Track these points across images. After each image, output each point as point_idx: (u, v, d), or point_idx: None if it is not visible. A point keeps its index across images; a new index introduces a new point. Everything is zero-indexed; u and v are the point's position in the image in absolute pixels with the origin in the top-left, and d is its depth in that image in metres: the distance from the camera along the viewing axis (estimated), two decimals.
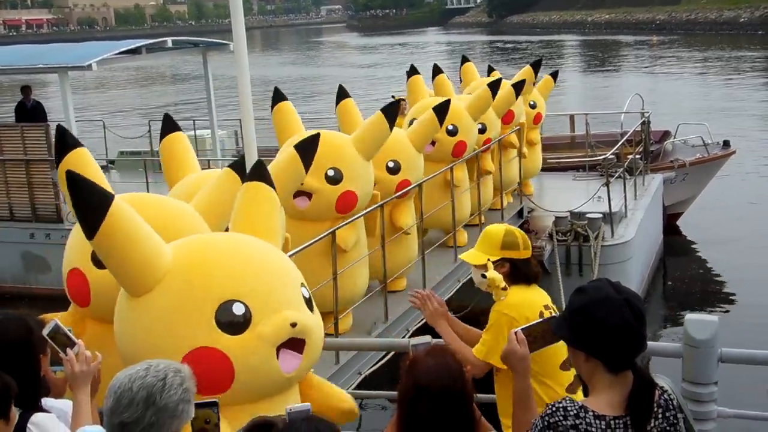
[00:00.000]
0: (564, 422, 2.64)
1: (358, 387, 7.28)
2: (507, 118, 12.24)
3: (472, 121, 10.66)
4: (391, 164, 8.96)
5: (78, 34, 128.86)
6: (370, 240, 8.32)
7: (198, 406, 2.78)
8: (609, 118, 20.47)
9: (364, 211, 8.18)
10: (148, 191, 10.62)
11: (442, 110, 9.14)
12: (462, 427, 2.83)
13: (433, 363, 2.84)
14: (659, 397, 2.75)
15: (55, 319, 3.32)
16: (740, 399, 5.70)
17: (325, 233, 7.35)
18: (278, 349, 3.67)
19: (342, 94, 9.26)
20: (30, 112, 15.39)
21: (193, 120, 18.68)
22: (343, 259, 7.64)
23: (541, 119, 13.68)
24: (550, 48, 71.11)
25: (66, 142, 4.73)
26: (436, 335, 3.83)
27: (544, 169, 14.47)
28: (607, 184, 11.95)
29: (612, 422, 2.66)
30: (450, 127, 10.30)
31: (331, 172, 7.80)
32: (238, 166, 5.10)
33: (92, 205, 3.56)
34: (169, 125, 5.92)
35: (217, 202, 4.98)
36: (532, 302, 4.05)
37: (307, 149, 5.58)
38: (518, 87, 11.50)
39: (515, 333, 3.04)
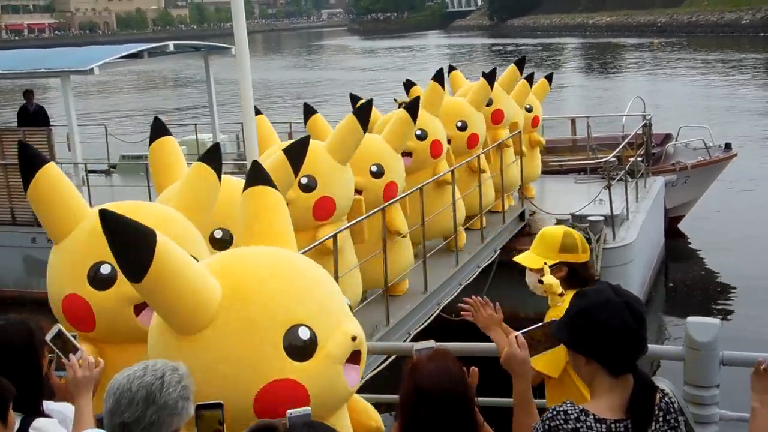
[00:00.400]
0: (565, 426, 2.64)
1: (359, 391, 7.27)
2: (496, 117, 12.20)
3: (435, 119, 10.44)
4: (374, 168, 8.85)
5: (80, 38, 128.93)
6: (357, 248, 8.20)
7: (204, 407, 2.80)
8: (610, 121, 20.48)
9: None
10: (149, 195, 10.63)
11: (413, 107, 9.06)
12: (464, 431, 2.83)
13: (434, 367, 2.83)
14: (660, 400, 2.75)
15: (58, 324, 3.33)
16: (742, 402, 5.68)
17: (334, 233, 7.32)
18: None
19: (309, 111, 9.29)
20: (32, 116, 15.41)
21: (195, 124, 18.70)
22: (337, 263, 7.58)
23: (538, 122, 13.68)
24: (552, 51, 71.13)
25: (33, 160, 4.74)
26: (439, 339, 3.79)
27: (545, 172, 14.47)
28: (608, 187, 11.95)
29: (613, 425, 2.66)
30: (418, 132, 10.08)
31: (304, 180, 7.66)
32: (208, 158, 5.04)
33: (137, 247, 3.24)
34: (159, 129, 5.84)
35: (196, 198, 4.97)
36: None
37: (296, 152, 5.46)
38: (489, 77, 11.38)
39: (516, 337, 3.04)
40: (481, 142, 11.41)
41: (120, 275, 4.32)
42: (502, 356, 3.05)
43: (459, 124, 11.18)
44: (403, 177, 9.28)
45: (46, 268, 4.74)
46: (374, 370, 7.67)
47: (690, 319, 4.46)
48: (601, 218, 11.70)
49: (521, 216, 12.43)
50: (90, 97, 48.65)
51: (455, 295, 9.83)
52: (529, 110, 13.29)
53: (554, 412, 2.68)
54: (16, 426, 3.01)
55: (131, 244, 3.25)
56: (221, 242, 5.63)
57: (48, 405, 3.29)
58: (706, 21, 79.03)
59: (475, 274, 10.50)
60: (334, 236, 7.34)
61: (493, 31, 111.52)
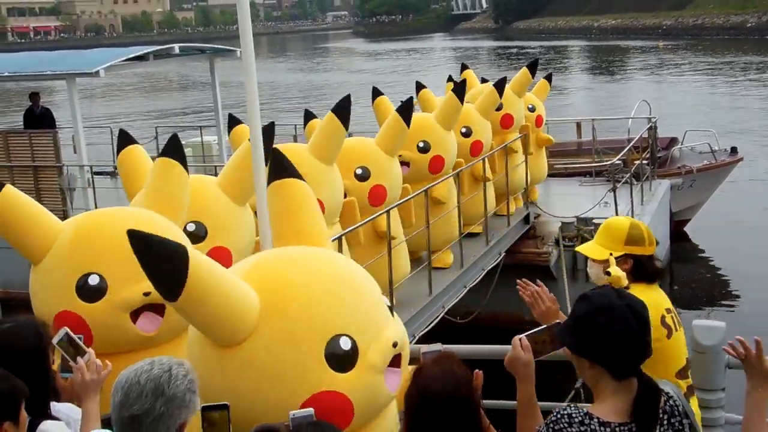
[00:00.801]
0: (569, 429, 2.64)
1: None
2: (506, 122, 12.17)
3: (445, 133, 10.08)
4: (359, 171, 8.58)
5: (85, 40, 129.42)
6: (352, 251, 7.98)
7: (210, 408, 2.83)
8: (616, 125, 20.45)
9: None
10: None
11: (406, 109, 8.72)
12: None
13: (439, 370, 2.83)
14: (665, 404, 2.75)
15: (65, 327, 3.33)
16: None
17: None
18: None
19: (308, 116, 9.31)
20: (38, 118, 15.44)
21: (200, 127, 18.72)
22: None
23: (542, 121, 13.65)
24: (557, 54, 71.10)
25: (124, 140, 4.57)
26: (444, 342, 3.77)
27: (550, 175, 14.46)
28: (613, 190, 11.94)
29: (617, 429, 2.66)
30: (421, 144, 9.81)
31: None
32: (170, 150, 4.99)
33: (170, 265, 3.17)
34: (125, 139, 5.97)
35: (168, 193, 4.92)
36: (657, 303, 3.77)
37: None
38: (499, 86, 11.24)
39: (519, 339, 3.04)
40: (485, 150, 11.21)
41: (110, 284, 4.36)
42: (506, 359, 3.05)
43: (463, 130, 11.06)
44: (397, 181, 8.93)
45: None
46: None
47: (696, 322, 4.45)
48: None
49: (526, 219, 12.42)
50: (95, 100, 48.77)
51: (459, 297, 9.83)
52: (532, 110, 13.28)
53: (558, 416, 2.68)
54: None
55: (164, 263, 3.18)
56: (194, 236, 5.48)
57: (54, 406, 3.30)
58: (712, 24, 78.91)
59: (480, 277, 10.49)
60: (339, 239, 7.30)
61: (498, 33, 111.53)
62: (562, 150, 16.73)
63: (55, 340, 3.27)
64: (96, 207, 5.11)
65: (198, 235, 6.01)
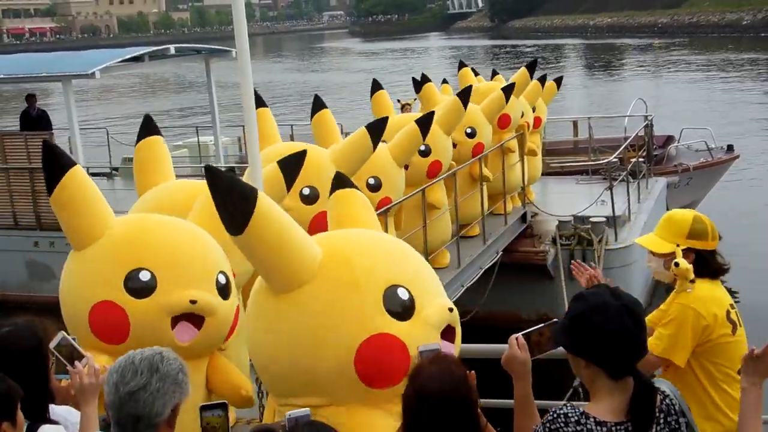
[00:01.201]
0: (565, 428, 2.64)
1: None
2: (503, 122, 12.14)
3: (445, 138, 9.91)
4: (372, 181, 8.38)
5: (81, 42, 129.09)
6: None
7: (208, 408, 2.89)
8: (612, 123, 20.47)
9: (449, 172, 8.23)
10: None
11: (425, 123, 8.53)
12: None
13: (436, 370, 2.83)
14: (661, 402, 2.75)
15: (62, 331, 3.33)
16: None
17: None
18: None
19: (318, 105, 9.04)
20: (34, 120, 15.44)
21: (196, 127, 18.71)
22: None
23: (540, 123, 13.65)
24: (553, 52, 71.13)
25: (59, 163, 4.33)
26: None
27: (547, 174, 14.46)
28: (610, 188, 11.95)
29: (613, 428, 2.66)
30: (422, 148, 9.49)
31: (306, 191, 7.24)
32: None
33: (239, 198, 3.35)
34: (148, 128, 5.85)
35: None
36: (722, 299, 3.72)
37: (291, 166, 5.34)
38: (507, 91, 11.22)
39: (516, 338, 3.03)
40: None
41: (160, 283, 4.27)
42: (503, 358, 3.05)
43: (468, 131, 10.97)
44: (400, 193, 8.81)
45: (48, 272, 4.68)
46: None
47: None
48: (603, 219, 11.70)
49: (523, 218, 12.42)
50: (91, 101, 48.70)
51: (457, 296, 9.82)
52: (533, 110, 13.27)
53: (554, 415, 2.68)
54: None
55: (233, 196, 3.35)
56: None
57: (53, 409, 3.29)
58: (707, 21, 79.00)
59: (477, 276, 10.50)
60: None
61: (494, 32, 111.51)
62: (558, 148, 16.75)
63: (52, 344, 3.27)
64: None
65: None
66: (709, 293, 3.69)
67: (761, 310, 12.69)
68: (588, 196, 13.00)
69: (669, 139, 17.19)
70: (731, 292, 3.91)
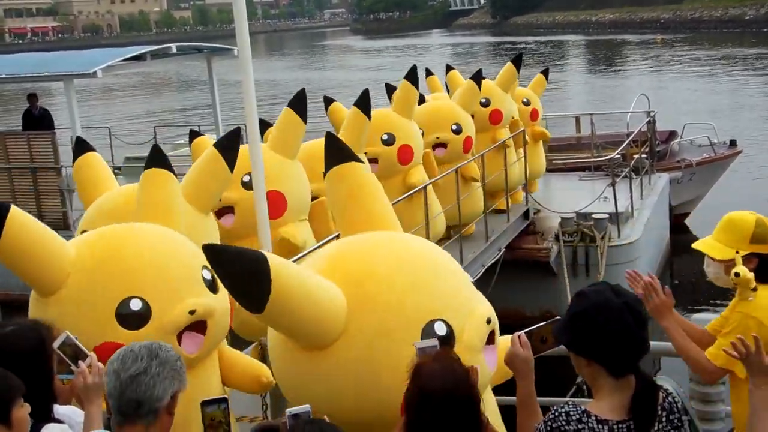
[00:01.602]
0: (566, 427, 2.64)
1: None
2: (494, 118, 12.04)
3: (407, 122, 9.81)
4: (385, 137, 9.48)
5: (83, 41, 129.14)
6: None
7: (209, 402, 2.89)
8: (615, 119, 20.43)
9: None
10: None
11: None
12: None
13: (439, 368, 2.82)
14: (663, 400, 2.74)
15: (65, 331, 3.32)
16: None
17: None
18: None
19: (328, 102, 10.00)
20: (37, 119, 15.44)
21: (198, 125, 18.70)
22: None
23: (538, 115, 13.59)
24: (555, 48, 71.04)
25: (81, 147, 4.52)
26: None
27: (549, 170, 14.44)
28: (613, 184, 11.93)
29: (615, 427, 2.65)
30: (384, 137, 9.55)
31: (247, 178, 6.92)
32: (156, 161, 4.81)
33: (252, 277, 3.03)
34: (82, 146, 6.09)
35: (165, 205, 4.71)
36: None
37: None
38: (477, 78, 11.06)
39: (518, 336, 3.03)
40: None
41: (154, 306, 4.02)
42: (505, 356, 3.05)
43: (454, 128, 10.83)
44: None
45: None
46: None
47: (696, 315, 4.46)
48: (606, 216, 11.69)
49: (526, 214, 12.41)
50: (93, 100, 48.73)
51: None
52: (527, 104, 13.24)
53: (556, 413, 2.68)
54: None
55: (244, 276, 3.04)
56: None
57: (57, 409, 3.29)
58: (710, 17, 78.82)
59: (480, 273, 10.48)
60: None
61: (495, 29, 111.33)
62: (561, 145, 16.72)
63: (56, 344, 3.26)
64: None
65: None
66: None
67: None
68: (591, 192, 12.99)
69: (672, 135, 17.16)
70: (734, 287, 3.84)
